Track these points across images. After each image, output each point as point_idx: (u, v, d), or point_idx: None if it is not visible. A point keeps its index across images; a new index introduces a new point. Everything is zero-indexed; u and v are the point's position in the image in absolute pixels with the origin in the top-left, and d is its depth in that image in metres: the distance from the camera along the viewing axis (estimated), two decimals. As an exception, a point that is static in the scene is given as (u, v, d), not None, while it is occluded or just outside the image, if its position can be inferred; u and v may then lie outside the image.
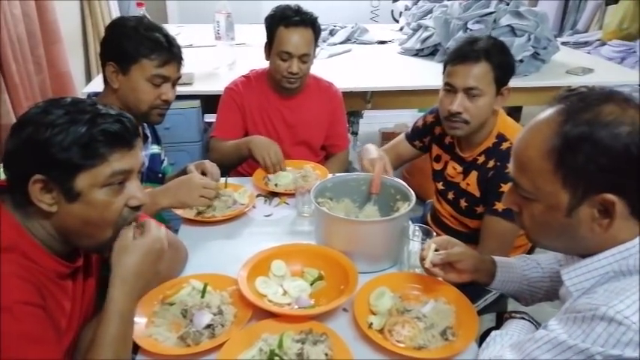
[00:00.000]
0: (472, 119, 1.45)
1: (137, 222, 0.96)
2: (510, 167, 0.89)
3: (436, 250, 1.14)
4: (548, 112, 0.83)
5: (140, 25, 1.42)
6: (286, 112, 1.96)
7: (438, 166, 1.70)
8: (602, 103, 0.78)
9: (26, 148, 0.85)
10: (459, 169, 1.59)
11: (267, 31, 1.87)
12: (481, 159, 1.52)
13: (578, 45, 3.57)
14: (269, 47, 1.87)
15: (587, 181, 0.78)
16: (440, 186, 1.69)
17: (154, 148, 1.65)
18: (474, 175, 1.54)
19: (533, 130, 0.84)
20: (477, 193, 1.54)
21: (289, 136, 1.97)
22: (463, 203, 1.60)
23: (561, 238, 0.86)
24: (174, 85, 1.48)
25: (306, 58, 1.82)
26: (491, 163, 1.49)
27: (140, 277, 0.92)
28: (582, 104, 0.79)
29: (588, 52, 3.37)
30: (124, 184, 0.91)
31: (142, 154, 0.97)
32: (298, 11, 1.83)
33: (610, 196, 0.76)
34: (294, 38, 1.79)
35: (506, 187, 1.39)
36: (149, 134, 1.61)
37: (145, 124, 1.62)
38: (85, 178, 0.86)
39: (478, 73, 1.41)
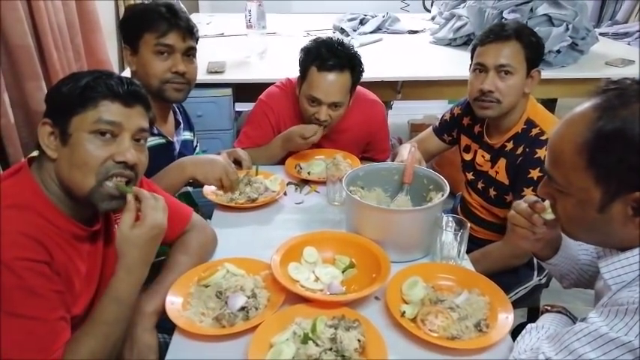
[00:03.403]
0: (503, 98, 1.45)
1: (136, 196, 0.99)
2: (545, 159, 0.87)
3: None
4: (585, 105, 0.81)
5: (148, 6, 1.44)
6: (322, 139, 1.76)
7: (467, 157, 1.69)
8: None
9: (48, 97, 0.98)
10: (487, 156, 1.59)
11: (300, 65, 1.68)
12: (509, 145, 1.51)
13: (617, 36, 3.44)
14: (300, 83, 1.69)
15: (619, 179, 0.76)
16: (470, 176, 1.69)
17: (186, 135, 1.67)
18: (502, 162, 1.53)
19: (569, 123, 0.82)
20: (506, 182, 1.53)
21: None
22: (492, 192, 1.59)
23: (594, 232, 0.84)
24: (187, 56, 1.46)
25: (337, 106, 1.64)
26: (520, 150, 1.48)
27: (144, 264, 0.98)
28: (619, 100, 0.77)
29: (628, 44, 3.25)
30: (114, 139, 0.96)
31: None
32: (336, 52, 1.60)
33: None
34: (325, 84, 1.59)
35: (535, 173, 1.42)
36: (181, 120, 1.63)
37: (178, 111, 1.64)
38: (76, 122, 0.94)
39: (509, 52, 1.43)
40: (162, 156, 1.49)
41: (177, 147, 1.59)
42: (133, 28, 1.42)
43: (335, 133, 1.81)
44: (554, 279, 1.18)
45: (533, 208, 0.98)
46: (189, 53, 1.48)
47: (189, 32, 1.45)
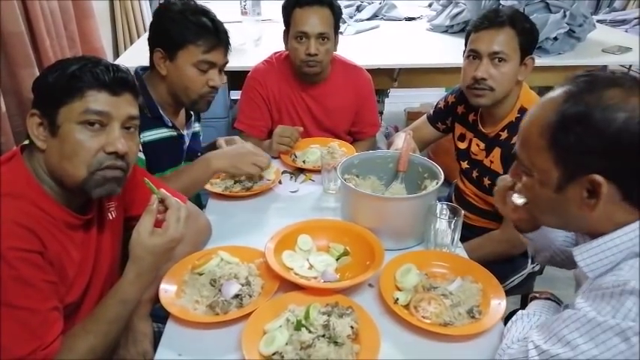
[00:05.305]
0: (497, 86, 1.44)
1: (161, 201, 0.99)
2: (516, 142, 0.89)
3: None
4: (557, 91, 0.83)
5: (187, 9, 1.39)
6: (311, 102, 1.89)
7: (462, 145, 1.69)
8: (608, 87, 0.77)
9: (35, 87, 0.96)
10: (482, 145, 1.59)
11: (284, 19, 1.80)
12: (504, 135, 1.51)
13: (614, 23, 3.42)
14: (287, 33, 1.81)
15: (576, 160, 0.79)
16: (464, 165, 1.68)
17: (196, 126, 1.66)
18: (497, 152, 1.53)
19: (539, 107, 0.85)
20: (501, 171, 1.53)
21: (314, 125, 1.94)
22: (487, 181, 1.59)
23: (554, 214, 0.87)
24: (221, 70, 1.46)
25: (324, 39, 1.74)
26: (514, 139, 1.47)
27: (155, 269, 1.00)
28: (588, 86, 0.79)
29: (625, 31, 3.24)
30: (103, 129, 0.95)
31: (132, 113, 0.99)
32: None
33: (597, 178, 0.77)
34: (309, 17, 1.71)
35: None
36: (192, 113, 1.61)
37: None
38: (64, 113, 0.92)
39: (503, 39, 1.42)
40: (172, 148, 1.50)
41: (187, 140, 1.58)
42: (173, 35, 1.37)
43: (324, 97, 1.88)
44: (545, 265, 1.19)
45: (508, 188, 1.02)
46: (223, 68, 1.47)
47: (228, 48, 1.45)
